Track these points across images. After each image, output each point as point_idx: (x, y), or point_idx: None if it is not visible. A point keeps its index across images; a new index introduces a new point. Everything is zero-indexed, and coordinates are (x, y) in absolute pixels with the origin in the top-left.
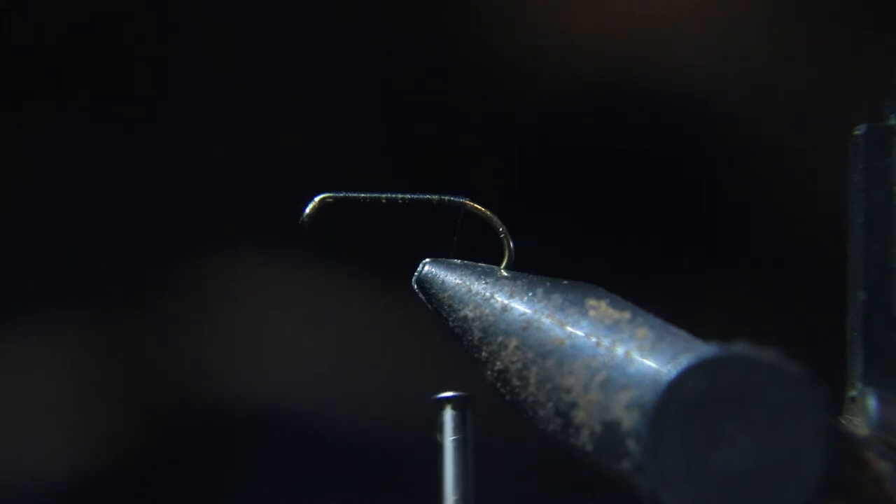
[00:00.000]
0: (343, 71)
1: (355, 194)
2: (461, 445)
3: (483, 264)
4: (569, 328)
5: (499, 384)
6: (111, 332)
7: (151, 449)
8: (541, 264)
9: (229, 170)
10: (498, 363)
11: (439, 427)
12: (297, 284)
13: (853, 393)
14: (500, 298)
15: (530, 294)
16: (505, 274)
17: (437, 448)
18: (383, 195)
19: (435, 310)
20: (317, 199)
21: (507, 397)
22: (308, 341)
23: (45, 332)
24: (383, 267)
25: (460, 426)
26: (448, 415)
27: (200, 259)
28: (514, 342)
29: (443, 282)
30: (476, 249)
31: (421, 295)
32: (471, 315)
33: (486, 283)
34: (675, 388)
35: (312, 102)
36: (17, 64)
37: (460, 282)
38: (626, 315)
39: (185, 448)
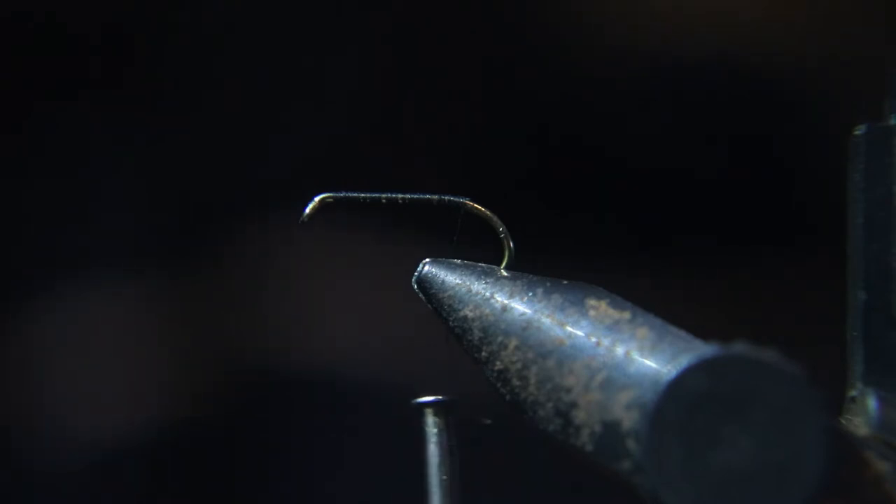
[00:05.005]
0: (344, 70)
1: (355, 194)
2: (444, 450)
3: (483, 264)
4: (569, 328)
5: (499, 384)
6: (160, 298)
7: (201, 412)
8: (541, 264)
9: (230, 167)
10: (498, 363)
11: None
12: (295, 282)
13: (853, 393)
14: (500, 298)
15: (530, 294)
16: (505, 274)
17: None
18: (383, 195)
19: (435, 310)
20: (317, 199)
21: (507, 397)
22: (304, 339)
23: (109, 296)
24: (383, 267)
25: (442, 430)
26: (430, 419)
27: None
28: (514, 342)
29: (443, 282)
30: (476, 249)
31: (421, 295)
32: (471, 315)
33: (486, 283)
34: (675, 388)
35: (313, 101)
36: (19, 63)
37: (460, 282)
38: (626, 315)
39: (236, 411)
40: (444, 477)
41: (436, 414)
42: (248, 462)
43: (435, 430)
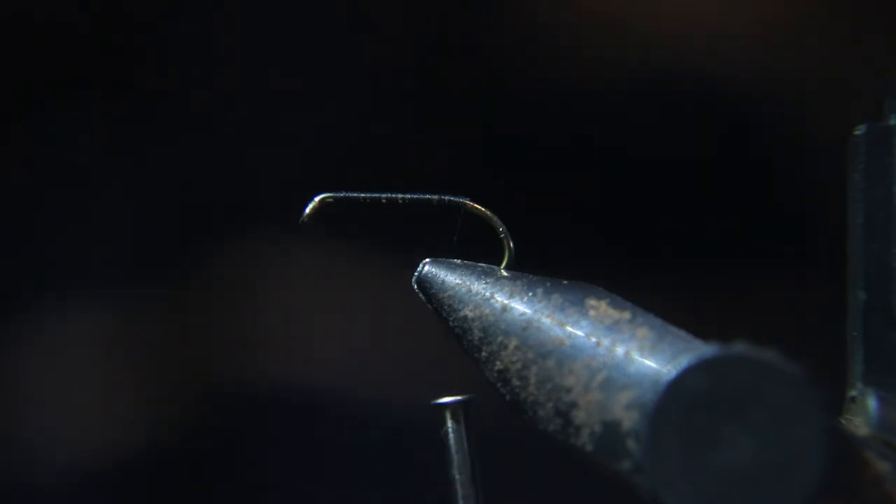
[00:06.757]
0: (344, 69)
1: (355, 194)
2: (464, 448)
3: (483, 264)
4: (569, 328)
5: (499, 384)
6: (147, 316)
7: (182, 429)
8: (541, 264)
9: (237, 168)
10: (498, 363)
11: (443, 432)
12: (292, 283)
13: (853, 393)
14: (500, 298)
15: (530, 294)
16: (505, 274)
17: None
18: (383, 195)
19: (435, 310)
20: (317, 199)
21: (507, 397)
22: (301, 339)
23: (89, 313)
24: (383, 266)
25: (462, 429)
26: (450, 420)
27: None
28: (514, 342)
29: (443, 282)
30: (476, 249)
31: (421, 295)
32: (471, 315)
33: (486, 283)
34: (675, 388)
35: (313, 101)
36: (20, 63)
37: (460, 282)
38: (626, 315)
39: (213, 429)
40: (466, 477)
41: (453, 415)
42: (240, 476)
43: (453, 431)
